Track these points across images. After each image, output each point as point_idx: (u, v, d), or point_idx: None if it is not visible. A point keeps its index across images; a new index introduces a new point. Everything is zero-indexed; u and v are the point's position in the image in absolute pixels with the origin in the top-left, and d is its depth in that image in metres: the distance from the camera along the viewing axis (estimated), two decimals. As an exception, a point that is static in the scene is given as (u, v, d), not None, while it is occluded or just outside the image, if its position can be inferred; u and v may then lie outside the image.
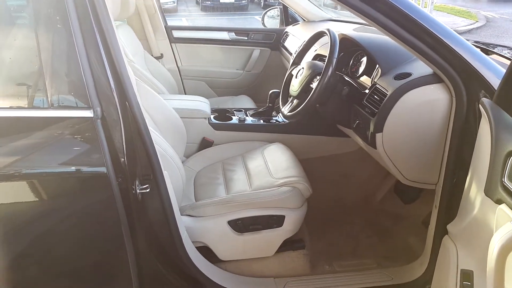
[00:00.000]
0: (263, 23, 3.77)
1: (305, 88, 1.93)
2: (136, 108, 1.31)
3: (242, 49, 3.60)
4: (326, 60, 1.79)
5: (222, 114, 2.50)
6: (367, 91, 1.74)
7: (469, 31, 10.36)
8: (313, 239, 2.10)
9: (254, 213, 1.78)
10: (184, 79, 3.56)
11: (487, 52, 1.73)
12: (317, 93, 1.79)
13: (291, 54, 2.98)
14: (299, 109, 1.89)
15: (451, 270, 1.34)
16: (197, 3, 16.57)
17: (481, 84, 1.29)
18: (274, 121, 2.44)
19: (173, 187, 1.57)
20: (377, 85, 1.66)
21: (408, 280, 1.73)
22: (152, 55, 3.22)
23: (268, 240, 1.83)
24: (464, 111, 1.35)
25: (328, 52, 1.80)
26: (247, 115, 2.51)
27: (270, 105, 2.50)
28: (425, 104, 1.46)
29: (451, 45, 1.31)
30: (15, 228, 1.28)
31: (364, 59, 1.94)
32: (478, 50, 1.34)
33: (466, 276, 1.23)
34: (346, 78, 1.92)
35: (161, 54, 3.45)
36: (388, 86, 1.58)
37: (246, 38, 3.59)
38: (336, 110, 1.92)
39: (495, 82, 1.26)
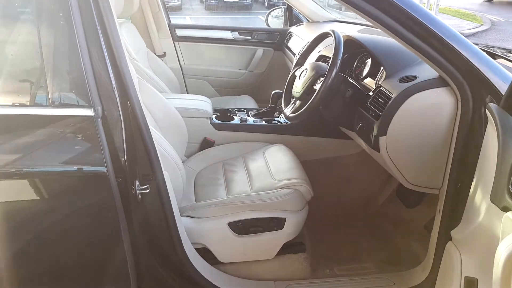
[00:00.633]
0: (267, 23, 3.75)
1: (308, 89, 1.91)
2: (137, 107, 1.29)
3: (245, 48, 3.58)
4: (330, 62, 1.77)
5: (224, 114, 2.48)
6: (371, 93, 1.72)
7: (474, 34, 10.35)
8: (313, 242, 2.08)
9: (255, 215, 1.76)
10: (186, 77, 3.55)
11: (494, 56, 1.71)
12: (320, 95, 1.77)
13: (294, 54, 2.97)
14: (301, 110, 1.87)
15: (454, 277, 1.32)
16: (201, 1, 16.60)
17: (487, 88, 1.27)
18: (276, 122, 2.42)
19: (173, 188, 1.55)
20: (382, 88, 1.64)
21: (409, 286, 1.71)
22: (155, 53, 3.21)
23: (268, 243, 1.81)
24: (470, 115, 1.33)
25: (332, 54, 1.78)
26: (249, 116, 2.49)
27: (273, 105, 2.48)
28: (430, 108, 1.44)
29: (457, 48, 1.29)
30: (11, 227, 1.27)
31: (369, 61, 1.91)
32: (485, 53, 1.32)
33: (470, 284, 1.21)
34: (350, 80, 1.90)
35: (164, 53, 3.44)
36: (392, 89, 1.56)
37: (250, 37, 3.58)
38: (339, 112, 1.91)
39: (502, 86, 1.24)
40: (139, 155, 1.36)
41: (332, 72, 1.74)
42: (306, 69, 1.98)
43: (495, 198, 1.09)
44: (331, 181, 2.39)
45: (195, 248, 1.67)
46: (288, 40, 3.32)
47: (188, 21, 12.77)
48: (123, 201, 1.28)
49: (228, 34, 3.60)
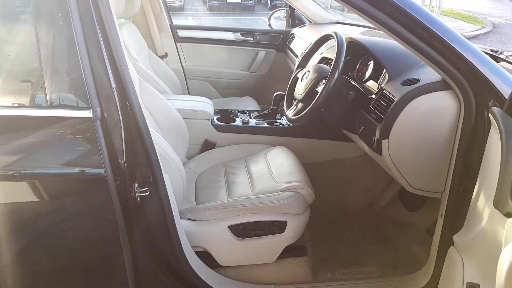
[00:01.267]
0: (269, 24, 3.75)
1: (311, 91, 1.90)
2: (137, 109, 1.28)
3: (248, 50, 3.57)
4: (332, 64, 1.76)
5: (226, 116, 2.47)
6: (373, 96, 1.71)
7: (475, 36, 10.35)
8: (315, 246, 2.07)
9: (256, 218, 1.75)
10: (188, 79, 3.54)
11: (496, 59, 1.70)
12: (323, 97, 1.76)
13: (297, 56, 2.95)
14: (303, 112, 1.86)
15: (456, 282, 1.30)
16: (204, 2, 16.61)
17: (490, 92, 1.26)
18: (278, 124, 2.41)
19: (173, 190, 1.54)
20: (384, 91, 1.63)
21: None
22: (156, 54, 3.20)
23: (269, 246, 1.80)
24: (473, 119, 1.32)
25: (335, 56, 1.77)
26: (250, 117, 2.48)
27: (275, 107, 2.47)
28: (433, 111, 1.43)
29: (460, 51, 1.27)
30: (8, 229, 1.25)
31: (371, 64, 1.90)
32: (488, 56, 1.30)
33: (473, 289, 1.19)
34: (353, 83, 1.89)
35: (166, 53, 3.43)
36: (395, 91, 1.55)
37: (252, 39, 3.56)
38: (341, 115, 1.90)
39: (505, 90, 1.23)
40: (139, 157, 1.35)
41: (335, 74, 1.73)
42: (309, 71, 1.97)
43: (498, 204, 1.07)
44: (333, 183, 2.38)
45: (195, 252, 1.66)
46: (290, 42, 3.31)
47: (190, 21, 12.78)
48: (122, 204, 1.27)
49: (230, 35, 3.58)
